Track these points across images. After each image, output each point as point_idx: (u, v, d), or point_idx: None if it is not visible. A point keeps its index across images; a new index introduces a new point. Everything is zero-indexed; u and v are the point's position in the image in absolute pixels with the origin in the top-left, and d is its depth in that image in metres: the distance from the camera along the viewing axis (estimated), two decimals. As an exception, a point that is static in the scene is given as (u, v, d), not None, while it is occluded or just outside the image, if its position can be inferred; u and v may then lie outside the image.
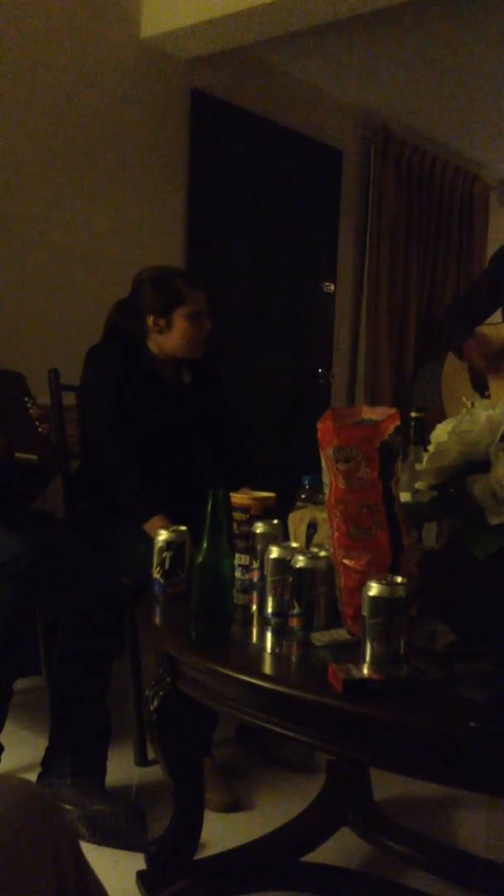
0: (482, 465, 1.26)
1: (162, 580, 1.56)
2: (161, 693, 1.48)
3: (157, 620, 1.51)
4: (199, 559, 1.35)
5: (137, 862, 1.61)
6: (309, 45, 3.58)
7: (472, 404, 1.34)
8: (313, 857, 1.82)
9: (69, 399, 2.53)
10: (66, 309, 3.07)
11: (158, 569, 1.56)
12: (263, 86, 3.83)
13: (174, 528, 1.60)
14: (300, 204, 4.11)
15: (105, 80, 3.19)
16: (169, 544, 1.56)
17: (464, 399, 1.37)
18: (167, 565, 1.56)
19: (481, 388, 2.75)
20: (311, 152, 4.14)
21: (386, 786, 2.08)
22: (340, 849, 1.87)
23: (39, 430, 2.08)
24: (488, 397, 2.68)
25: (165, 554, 1.56)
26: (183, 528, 1.60)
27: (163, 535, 1.57)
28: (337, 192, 4.33)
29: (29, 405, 2.12)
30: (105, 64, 3.19)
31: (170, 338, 2.30)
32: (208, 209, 3.64)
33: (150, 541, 1.62)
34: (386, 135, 4.42)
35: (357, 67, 3.85)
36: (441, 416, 1.36)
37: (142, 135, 3.34)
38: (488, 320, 2.87)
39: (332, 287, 4.33)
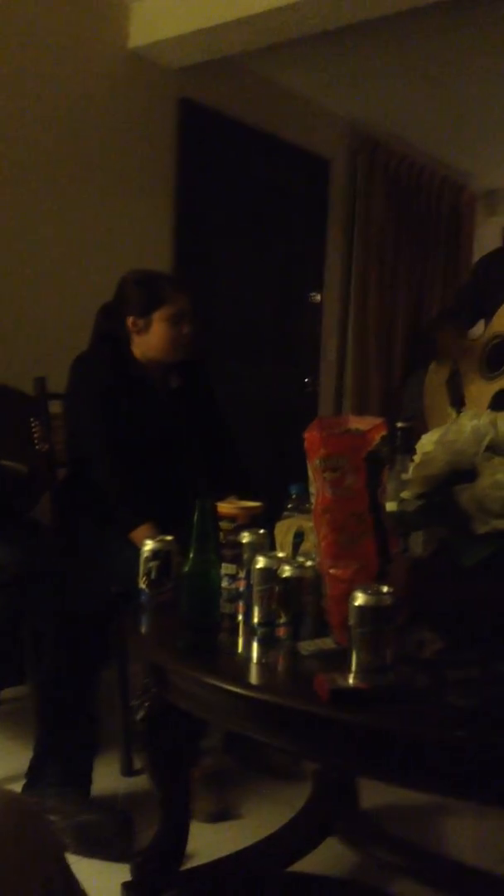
0: (468, 475, 1.27)
1: (148, 590, 1.56)
2: (148, 703, 1.47)
3: (144, 630, 1.50)
4: (187, 568, 1.34)
5: (123, 873, 1.60)
6: (298, 55, 3.60)
7: (458, 414, 1.35)
8: (300, 866, 1.81)
9: (56, 407, 2.52)
10: (53, 316, 3.07)
11: (145, 578, 1.56)
12: (252, 95, 3.84)
13: (160, 537, 1.59)
14: (288, 213, 4.13)
15: (93, 89, 3.20)
16: (155, 554, 1.56)
17: (449, 409, 1.38)
18: (153, 575, 1.55)
19: (458, 404, 2.77)
20: (299, 161, 4.15)
21: (373, 794, 2.08)
22: (328, 858, 1.87)
23: (37, 446, 2.11)
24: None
25: (151, 563, 1.56)
26: (169, 537, 1.59)
27: (149, 545, 1.57)
28: (324, 202, 4.35)
29: (33, 425, 2.14)
30: (93, 73, 3.20)
31: (148, 340, 2.29)
32: (196, 217, 3.65)
33: (138, 549, 1.62)
34: (374, 145, 4.45)
35: (345, 77, 3.88)
36: (424, 427, 1.37)
37: (130, 143, 3.35)
38: (470, 335, 2.88)
39: (319, 297, 4.35)
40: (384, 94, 4.05)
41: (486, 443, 1.27)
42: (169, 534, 1.62)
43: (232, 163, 3.80)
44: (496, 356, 2.64)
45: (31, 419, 2.17)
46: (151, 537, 1.60)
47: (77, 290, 3.11)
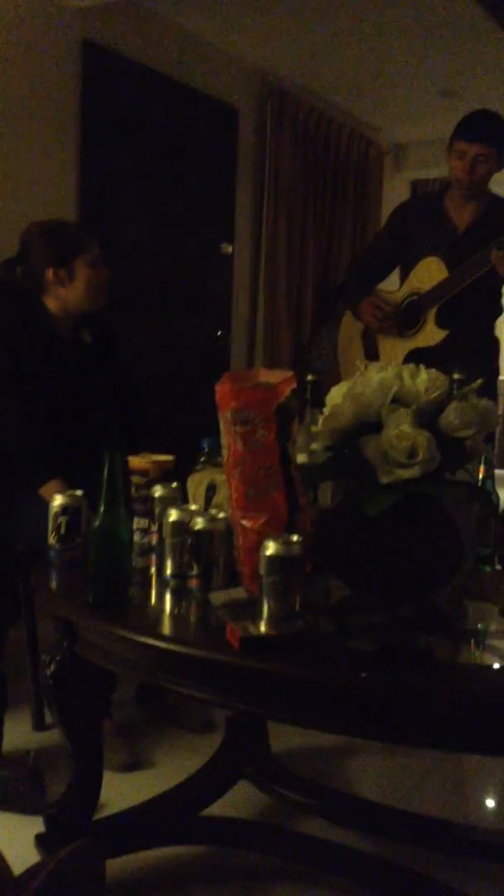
0: (374, 427, 1.30)
1: (58, 545, 1.54)
2: (58, 657, 1.47)
3: (54, 585, 1.49)
4: (97, 523, 1.34)
5: (37, 825, 1.61)
6: (205, 0, 3.50)
7: (366, 367, 1.37)
8: (212, 810, 1.86)
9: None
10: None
11: (54, 534, 1.54)
12: (158, 40, 3.73)
13: (70, 492, 1.57)
14: (196, 163, 4.06)
15: (-9, 26, 3.04)
16: (64, 509, 1.54)
17: (357, 362, 1.40)
18: (63, 530, 1.54)
19: (372, 357, 2.81)
20: (207, 109, 4.07)
21: (283, 738, 2.15)
22: (239, 801, 1.92)
23: None
24: None
25: (61, 519, 1.54)
26: (79, 492, 1.58)
27: (58, 500, 1.55)
28: (233, 152, 4.29)
29: None
30: (-9, 8, 3.04)
31: (74, 289, 2.23)
32: (102, 165, 3.54)
33: (46, 506, 1.59)
34: (282, 95, 4.40)
35: (253, 25, 3.80)
36: (337, 379, 1.39)
37: (30, 86, 3.21)
38: (384, 287, 2.91)
39: (230, 249, 4.31)
40: (293, 44, 4.00)
41: (391, 395, 1.30)
42: (78, 489, 1.60)
43: (138, 109, 3.70)
44: (411, 313, 2.68)
45: None
46: (61, 492, 1.58)
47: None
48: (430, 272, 2.61)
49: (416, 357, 1.45)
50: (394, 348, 2.73)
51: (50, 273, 2.20)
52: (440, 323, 2.59)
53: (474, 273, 2.47)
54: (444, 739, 1.15)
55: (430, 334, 2.61)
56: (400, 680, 1.06)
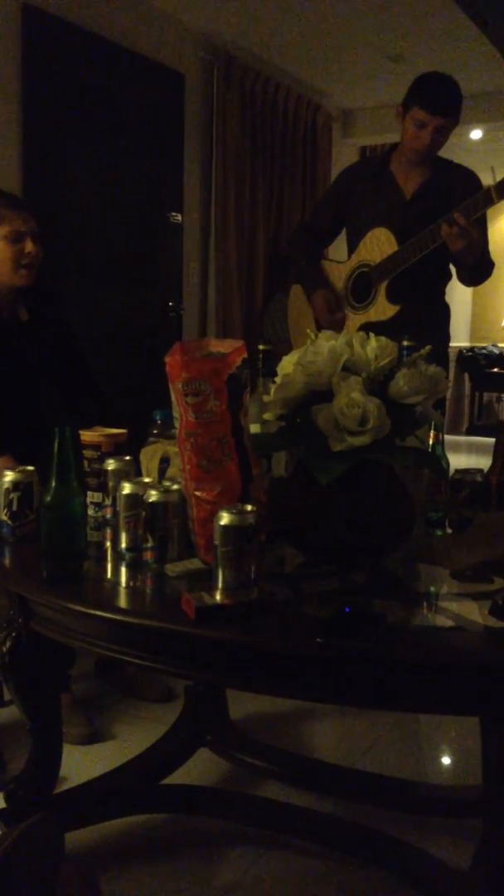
0: (326, 395, 1.30)
1: (10, 522, 1.53)
2: (13, 634, 1.46)
3: (7, 562, 1.48)
4: (48, 498, 1.32)
5: (-2, 801, 1.61)
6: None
7: (316, 336, 1.38)
8: (172, 779, 1.88)
9: None
10: None
11: (6, 510, 1.53)
12: (101, 3, 3.64)
13: (21, 468, 1.56)
14: (143, 129, 3.99)
15: None
16: (16, 485, 1.53)
17: (307, 331, 1.40)
18: (15, 506, 1.53)
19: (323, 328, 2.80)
20: (152, 74, 4.00)
21: (242, 705, 2.17)
22: (199, 769, 1.94)
23: None
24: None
25: (13, 495, 1.53)
26: (30, 468, 1.56)
27: (9, 476, 1.53)
28: (180, 118, 4.22)
29: None
30: None
31: None
32: (45, 131, 3.46)
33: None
34: (228, 59, 4.34)
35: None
36: (288, 348, 1.39)
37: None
38: (333, 256, 2.90)
39: (180, 218, 4.26)
40: (238, 8, 3.94)
41: (342, 363, 1.30)
42: (30, 465, 1.58)
43: (82, 75, 3.61)
44: (361, 286, 2.68)
45: None
46: (11, 469, 1.57)
47: None
48: (379, 244, 2.61)
49: (368, 330, 1.45)
50: (345, 321, 2.73)
51: None
52: (391, 298, 2.59)
53: (424, 248, 2.47)
54: (399, 701, 1.17)
55: (382, 309, 2.61)
56: (355, 644, 1.07)
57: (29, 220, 2.21)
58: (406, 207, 2.63)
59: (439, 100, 2.50)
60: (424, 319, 2.62)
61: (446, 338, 2.85)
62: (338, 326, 2.71)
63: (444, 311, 2.82)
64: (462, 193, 2.50)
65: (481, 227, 2.46)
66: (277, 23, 4.09)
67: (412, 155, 2.60)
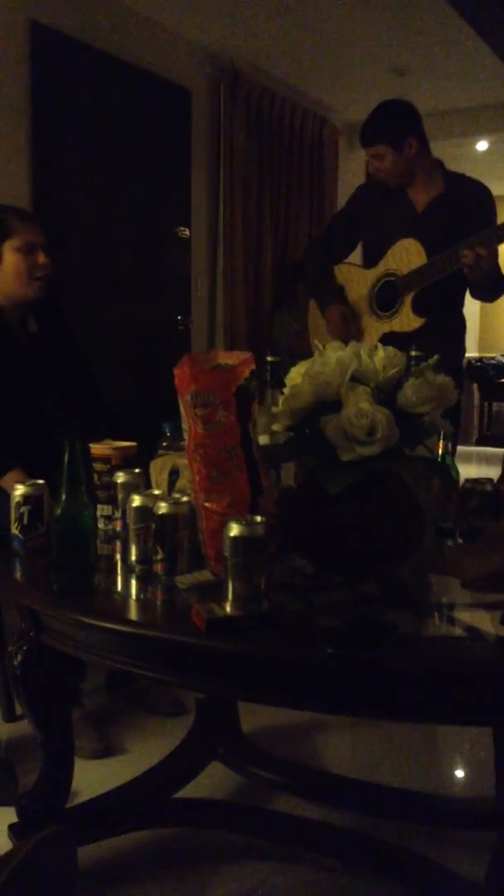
0: (334, 405, 1.30)
1: (21, 535, 1.53)
2: (25, 648, 1.46)
3: (18, 575, 1.48)
4: (58, 511, 1.33)
5: (9, 816, 1.60)
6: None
7: (324, 347, 1.38)
8: (184, 793, 1.87)
9: None
10: None
11: (17, 524, 1.54)
12: (109, 21, 3.68)
13: (31, 482, 1.56)
14: (150, 145, 4.02)
15: None
16: (26, 498, 1.54)
17: (315, 342, 1.40)
18: (25, 520, 1.53)
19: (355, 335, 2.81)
20: (161, 91, 4.03)
21: (254, 717, 2.16)
22: (211, 782, 1.93)
23: None
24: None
25: (23, 508, 1.53)
26: (40, 481, 1.57)
27: (20, 490, 1.54)
28: (187, 134, 4.25)
29: None
30: None
31: (2, 273, 2.20)
32: (54, 149, 3.49)
33: (7, 497, 1.58)
34: (234, 74, 4.37)
35: (204, 5, 3.76)
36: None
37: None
38: (352, 261, 2.92)
39: (188, 232, 4.28)
40: (243, 24, 3.97)
41: (350, 373, 1.30)
42: (39, 479, 1.59)
43: (90, 92, 3.64)
44: (387, 294, 2.69)
45: None
46: (22, 482, 1.57)
47: None
48: (408, 255, 2.62)
49: (391, 341, 1.46)
50: (368, 326, 2.74)
51: None
52: (417, 310, 2.61)
53: (447, 269, 2.51)
54: (412, 712, 1.17)
55: (407, 320, 2.62)
56: (366, 655, 1.07)
57: (39, 232, 2.23)
58: (418, 220, 2.65)
59: (363, 132, 2.71)
60: (444, 331, 2.64)
61: (462, 349, 2.87)
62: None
63: (461, 323, 2.83)
64: (472, 206, 2.57)
65: (495, 252, 2.49)
66: (283, 38, 4.12)
67: (381, 183, 2.71)
